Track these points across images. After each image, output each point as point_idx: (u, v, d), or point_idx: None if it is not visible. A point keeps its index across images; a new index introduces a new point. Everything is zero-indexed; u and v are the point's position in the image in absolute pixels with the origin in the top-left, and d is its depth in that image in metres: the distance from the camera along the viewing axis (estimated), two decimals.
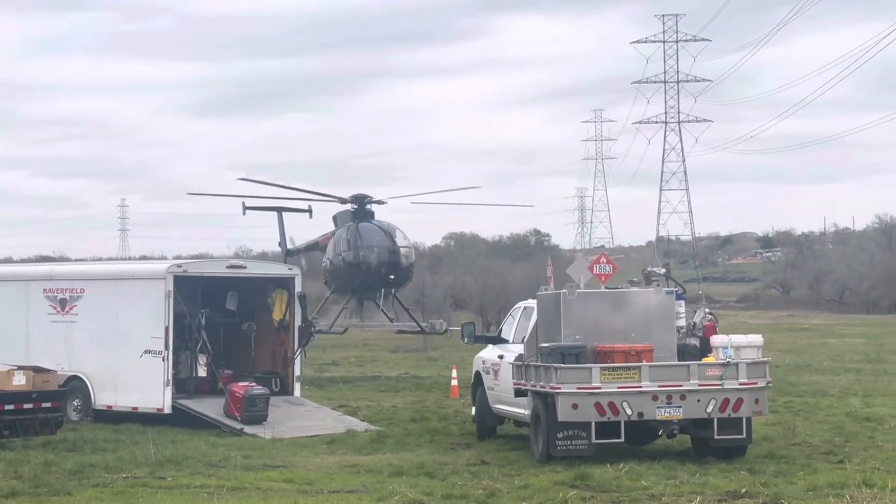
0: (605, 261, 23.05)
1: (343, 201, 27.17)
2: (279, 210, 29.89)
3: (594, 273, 23.40)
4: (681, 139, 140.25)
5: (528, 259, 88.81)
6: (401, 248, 26.37)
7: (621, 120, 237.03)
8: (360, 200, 26.87)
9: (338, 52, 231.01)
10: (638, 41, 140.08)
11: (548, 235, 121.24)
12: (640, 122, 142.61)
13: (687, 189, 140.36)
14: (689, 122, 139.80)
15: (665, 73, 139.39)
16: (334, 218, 28.03)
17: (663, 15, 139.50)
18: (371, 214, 26.98)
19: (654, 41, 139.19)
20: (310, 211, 29.43)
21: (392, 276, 26.49)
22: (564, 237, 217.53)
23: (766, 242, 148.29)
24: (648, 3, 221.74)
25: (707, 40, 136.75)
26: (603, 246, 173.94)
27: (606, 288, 22.27)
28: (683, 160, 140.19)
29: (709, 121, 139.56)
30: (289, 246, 30.29)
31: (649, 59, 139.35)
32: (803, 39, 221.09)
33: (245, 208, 29.36)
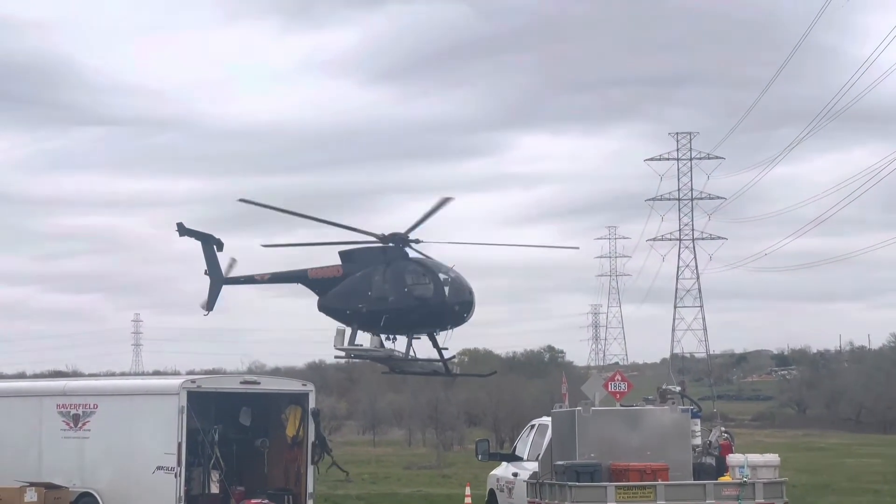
0: (620, 378, 22.99)
1: (382, 239, 27.23)
2: (206, 238, 29.49)
3: (609, 390, 23.31)
4: (695, 256, 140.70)
5: (542, 376, 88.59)
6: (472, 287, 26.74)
7: (635, 236, 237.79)
8: (401, 240, 26.95)
9: (346, 168, 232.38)
10: (652, 158, 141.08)
11: (562, 352, 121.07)
12: (654, 239, 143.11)
13: (701, 306, 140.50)
14: (703, 239, 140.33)
15: (679, 190, 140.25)
16: (347, 253, 27.88)
17: (677, 133, 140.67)
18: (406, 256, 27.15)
19: (667, 158, 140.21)
20: (220, 244, 29.23)
21: (465, 315, 26.58)
22: (578, 354, 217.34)
23: (782, 360, 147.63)
24: (653, 120, 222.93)
25: (720, 158, 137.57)
26: (617, 363, 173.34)
27: (621, 406, 22.18)
28: (698, 277, 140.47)
29: (723, 238, 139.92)
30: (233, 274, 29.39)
31: (663, 177, 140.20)
32: (816, 158, 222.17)
33: (183, 230, 29.13)
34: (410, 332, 27.35)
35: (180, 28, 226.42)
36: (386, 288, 26.77)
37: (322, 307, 28.17)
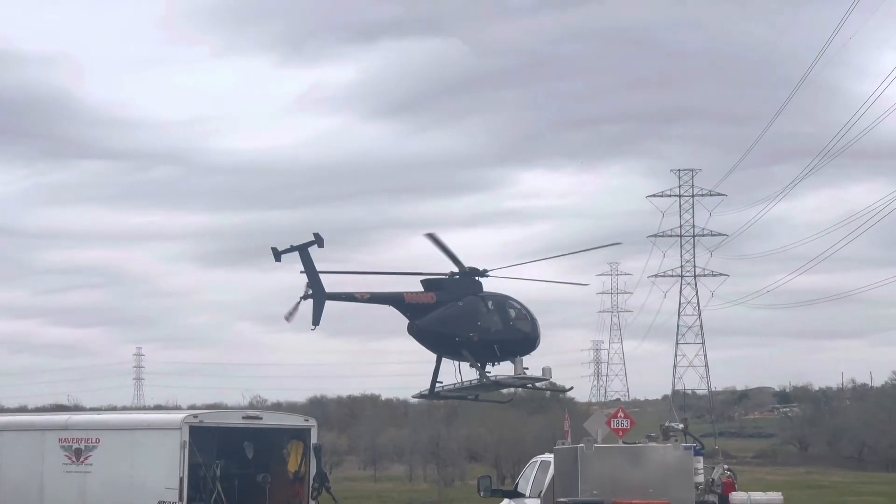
0: (622, 415, 22.94)
1: (455, 274, 27.53)
2: (302, 248, 28.07)
3: (612, 427, 23.26)
4: (696, 293, 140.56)
5: (543, 412, 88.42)
6: None
7: (637, 273, 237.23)
8: (476, 272, 27.35)
9: (344, 203, 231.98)
10: (653, 195, 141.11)
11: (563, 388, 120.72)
12: (655, 276, 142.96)
13: (703, 343, 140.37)
14: (704, 276, 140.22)
15: (681, 227, 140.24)
16: (435, 281, 27.97)
17: (679, 170, 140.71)
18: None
19: (669, 195, 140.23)
20: (320, 241, 28.05)
21: (537, 347, 27.32)
22: (580, 390, 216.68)
23: (783, 397, 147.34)
24: (651, 157, 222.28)
25: (722, 195, 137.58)
26: (618, 399, 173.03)
27: (624, 443, 22.17)
28: (699, 314, 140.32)
29: (725, 275, 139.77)
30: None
31: (665, 213, 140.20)
32: (818, 195, 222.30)
33: (277, 254, 27.79)
34: (499, 360, 27.68)
35: (178, 62, 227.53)
36: (495, 318, 27.02)
37: (419, 330, 27.52)
